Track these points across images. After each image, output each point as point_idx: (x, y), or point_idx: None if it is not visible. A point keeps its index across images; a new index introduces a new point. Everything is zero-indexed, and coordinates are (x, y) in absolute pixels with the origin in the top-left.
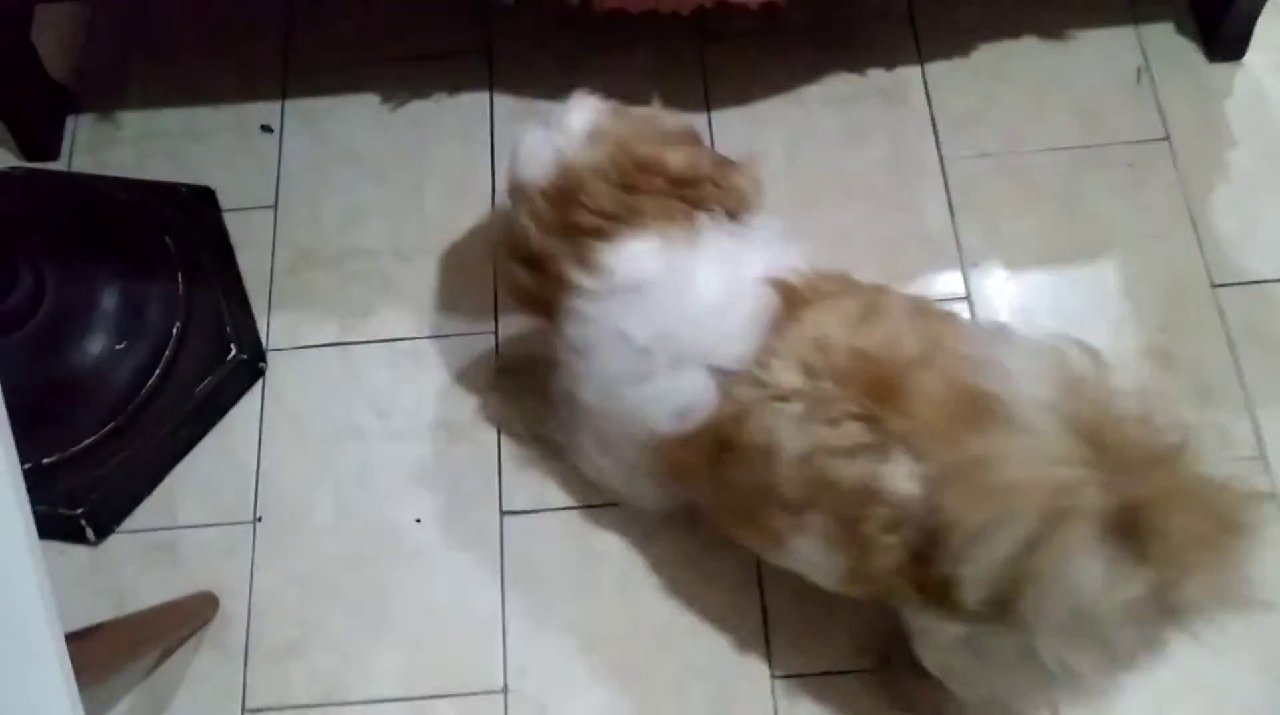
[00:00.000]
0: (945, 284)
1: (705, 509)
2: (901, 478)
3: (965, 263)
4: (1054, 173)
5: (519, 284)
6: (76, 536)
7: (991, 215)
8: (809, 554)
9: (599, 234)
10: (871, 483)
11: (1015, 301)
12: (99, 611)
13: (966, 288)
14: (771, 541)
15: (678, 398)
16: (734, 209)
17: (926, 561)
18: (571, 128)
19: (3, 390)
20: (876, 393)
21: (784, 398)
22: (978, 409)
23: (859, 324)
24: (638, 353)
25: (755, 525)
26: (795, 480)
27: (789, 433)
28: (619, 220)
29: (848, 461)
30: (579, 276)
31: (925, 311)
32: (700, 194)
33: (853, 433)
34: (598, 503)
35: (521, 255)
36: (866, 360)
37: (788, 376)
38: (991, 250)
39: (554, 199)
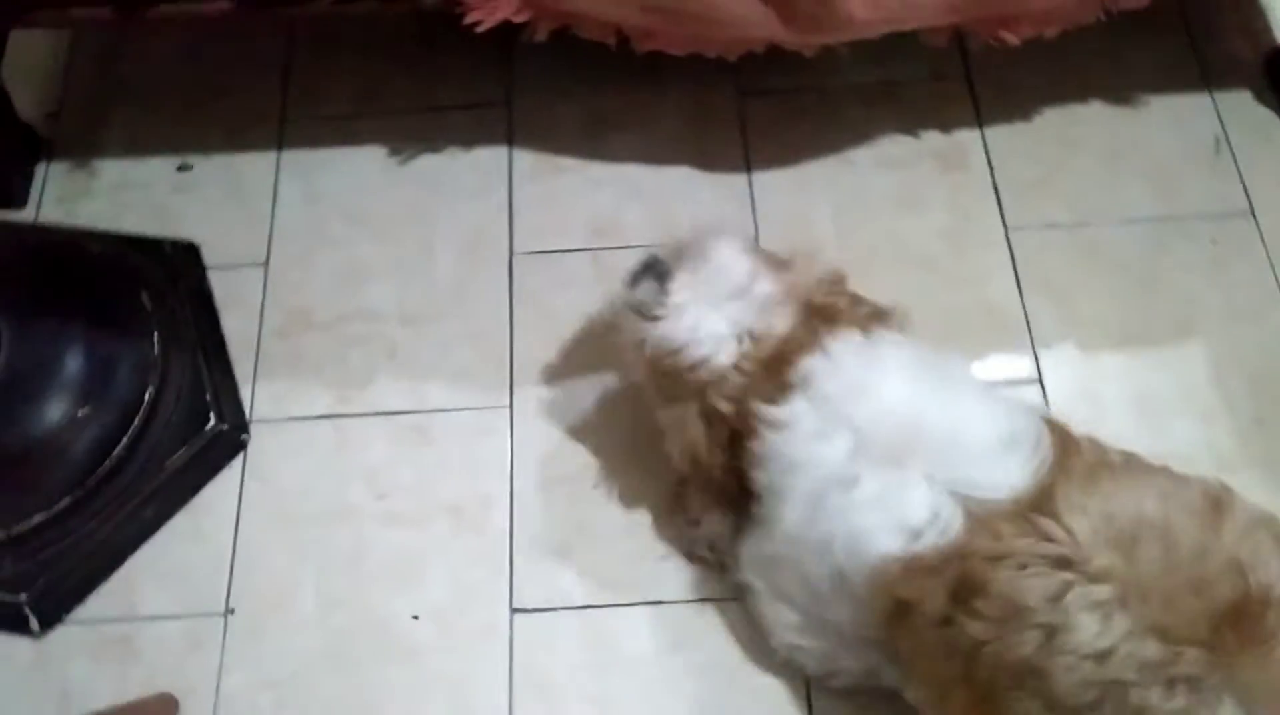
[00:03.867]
0: (1014, 366)
1: (921, 682)
2: None
3: (1036, 343)
4: (1130, 247)
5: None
6: (18, 626)
7: (1063, 292)
8: None
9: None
10: None
11: (1091, 387)
12: (39, 713)
13: (1038, 370)
14: None
15: (901, 509)
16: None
17: None
18: (753, 290)
19: None
20: (1225, 620)
21: (1092, 576)
22: None
23: (1207, 520)
24: (845, 458)
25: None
26: (1075, 676)
27: (1087, 621)
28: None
29: (1165, 693)
30: (768, 412)
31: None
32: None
33: (1189, 660)
34: (624, 601)
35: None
36: (1216, 570)
37: (1101, 552)
38: (1064, 330)
39: (752, 372)
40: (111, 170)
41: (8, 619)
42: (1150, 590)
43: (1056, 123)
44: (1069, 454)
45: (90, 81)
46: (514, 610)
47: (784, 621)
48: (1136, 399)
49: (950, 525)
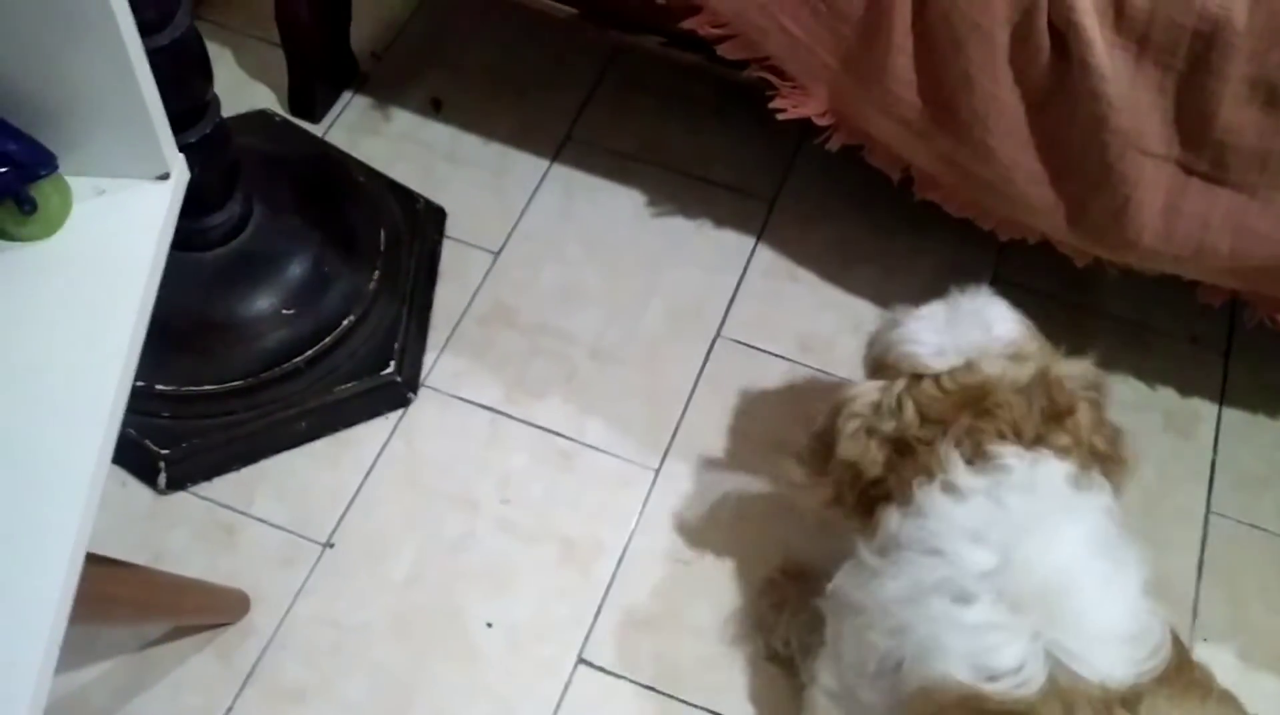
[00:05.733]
0: None
1: None
2: None
3: (1196, 630)
4: None
5: (857, 461)
6: (148, 476)
7: (1243, 594)
8: None
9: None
10: None
11: (1238, 695)
12: (130, 559)
13: None
14: None
15: (992, 649)
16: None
17: None
18: (994, 330)
19: (162, 304)
20: None
21: None
22: None
23: None
24: (979, 573)
25: None
26: None
27: None
28: (1025, 443)
29: None
30: (958, 468)
31: None
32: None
33: None
34: (686, 699)
35: (884, 432)
36: None
37: None
38: (1229, 630)
39: (951, 392)
40: (403, 121)
41: (143, 467)
42: None
43: None
44: (1180, 670)
45: (421, 39)
46: (581, 659)
47: (824, 683)
48: None
49: (1030, 683)
